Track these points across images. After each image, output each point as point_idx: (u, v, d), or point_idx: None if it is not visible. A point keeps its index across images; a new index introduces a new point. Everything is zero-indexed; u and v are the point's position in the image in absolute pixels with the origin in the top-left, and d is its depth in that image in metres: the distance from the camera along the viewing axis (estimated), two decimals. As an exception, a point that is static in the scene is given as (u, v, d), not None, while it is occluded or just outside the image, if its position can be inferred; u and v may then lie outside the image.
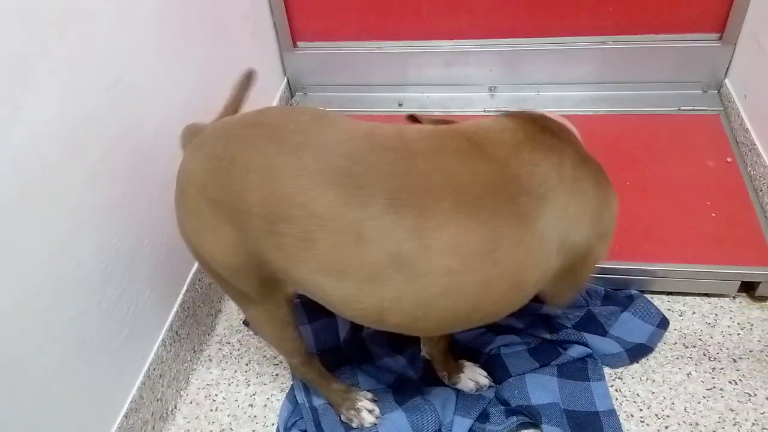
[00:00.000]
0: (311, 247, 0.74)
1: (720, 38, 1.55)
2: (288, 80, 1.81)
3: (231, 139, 0.81)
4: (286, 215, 0.74)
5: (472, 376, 1.10)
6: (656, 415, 1.07)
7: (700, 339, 1.18)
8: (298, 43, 1.74)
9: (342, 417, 1.07)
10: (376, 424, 1.07)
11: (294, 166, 0.75)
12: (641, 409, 1.08)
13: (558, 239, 0.77)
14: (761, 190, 1.33)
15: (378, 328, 0.80)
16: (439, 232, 0.71)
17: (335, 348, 1.20)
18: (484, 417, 1.06)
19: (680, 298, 1.25)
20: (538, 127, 0.82)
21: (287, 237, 0.75)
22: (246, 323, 1.30)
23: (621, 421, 1.06)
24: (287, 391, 1.15)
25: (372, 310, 0.75)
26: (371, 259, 0.72)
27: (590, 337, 1.15)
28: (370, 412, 1.07)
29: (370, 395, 1.10)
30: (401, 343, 1.19)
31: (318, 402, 1.10)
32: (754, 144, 1.38)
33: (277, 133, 0.79)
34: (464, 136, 0.80)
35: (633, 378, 1.12)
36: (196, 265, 1.25)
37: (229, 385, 1.20)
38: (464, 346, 1.16)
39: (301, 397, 1.11)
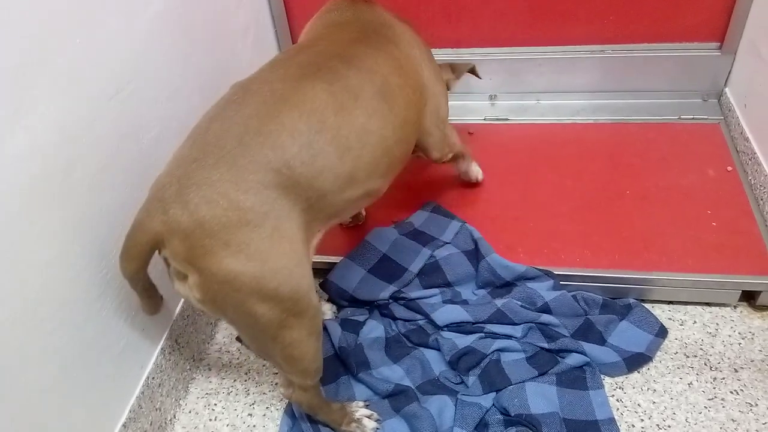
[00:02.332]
0: (336, 134, 0.88)
1: (720, 47, 1.56)
2: (289, 89, 1.82)
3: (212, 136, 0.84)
4: (314, 123, 0.86)
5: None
6: (657, 425, 1.06)
7: (701, 348, 1.17)
8: (299, 52, 1.75)
9: None
10: (378, 429, 1.07)
11: (281, 92, 0.87)
12: (642, 420, 1.07)
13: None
14: (762, 199, 1.33)
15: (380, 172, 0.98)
16: (378, 66, 0.98)
17: (330, 357, 1.20)
18: (482, 426, 1.06)
19: (681, 307, 1.25)
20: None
21: (322, 144, 0.87)
22: (240, 339, 1.30)
23: (622, 431, 1.05)
24: (285, 406, 1.15)
25: (381, 142, 0.95)
26: (371, 103, 0.94)
27: (588, 346, 1.15)
28: (369, 417, 1.08)
29: (362, 403, 1.10)
30: (399, 352, 1.19)
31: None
32: (755, 153, 1.38)
33: (235, 99, 0.89)
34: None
35: (634, 388, 1.12)
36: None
37: (228, 394, 1.20)
38: (463, 352, 1.16)
39: (298, 411, 1.11)
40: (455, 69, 1.36)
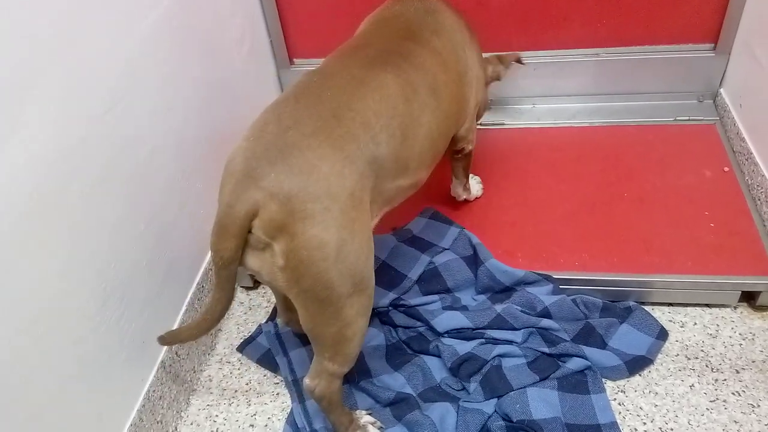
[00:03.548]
0: (402, 122, 0.94)
1: (714, 48, 1.56)
2: (285, 98, 1.82)
3: (306, 110, 0.86)
4: (389, 108, 0.92)
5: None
6: (660, 428, 1.06)
7: (702, 350, 1.17)
8: (294, 60, 1.76)
9: None
10: None
11: (359, 77, 0.92)
12: (645, 423, 1.07)
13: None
14: (759, 199, 1.33)
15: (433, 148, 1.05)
16: (428, 63, 1.04)
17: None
18: (485, 433, 1.06)
19: (681, 309, 1.25)
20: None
21: (394, 128, 0.92)
22: (240, 349, 1.29)
23: (624, 435, 1.05)
24: (287, 416, 1.14)
25: (429, 134, 1.01)
26: (425, 97, 0.99)
27: (589, 350, 1.15)
28: (374, 425, 1.08)
29: (364, 411, 1.10)
30: (400, 359, 1.19)
31: (318, 425, 1.10)
32: (751, 153, 1.38)
33: (321, 82, 0.92)
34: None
35: (636, 391, 1.12)
36: (194, 285, 1.25)
37: (230, 405, 1.20)
38: (464, 358, 1.15)
39: (301, 421, 1.10)
40: (503, 60, 1.41)
